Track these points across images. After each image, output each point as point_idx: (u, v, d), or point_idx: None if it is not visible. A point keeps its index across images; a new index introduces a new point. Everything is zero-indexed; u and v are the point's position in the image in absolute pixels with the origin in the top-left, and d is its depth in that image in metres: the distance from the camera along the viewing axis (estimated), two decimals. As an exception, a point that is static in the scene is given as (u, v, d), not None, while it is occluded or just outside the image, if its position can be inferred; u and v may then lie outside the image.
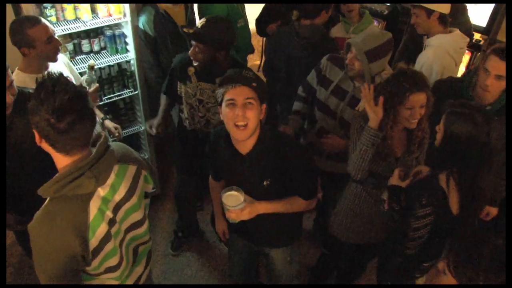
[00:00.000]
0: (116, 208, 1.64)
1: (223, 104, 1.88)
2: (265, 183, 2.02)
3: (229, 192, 1.95)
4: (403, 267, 2.30)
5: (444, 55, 2.84)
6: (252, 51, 3.97)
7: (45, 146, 1.47)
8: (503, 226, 2.53)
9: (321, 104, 2.72)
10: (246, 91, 1.83)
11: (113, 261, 1.67)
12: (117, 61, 3.28)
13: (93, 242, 1.54)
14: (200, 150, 2.56)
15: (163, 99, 2.97)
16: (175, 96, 2.81)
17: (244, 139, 1.90)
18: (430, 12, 2.86)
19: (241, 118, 1.82)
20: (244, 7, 3.57)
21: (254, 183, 2.03)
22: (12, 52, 2.42)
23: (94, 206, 1.53)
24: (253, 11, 3.76)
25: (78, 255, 1.51)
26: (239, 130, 1.85)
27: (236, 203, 1.93)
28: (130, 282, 1.87)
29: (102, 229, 1.57)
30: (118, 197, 1.65)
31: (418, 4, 2.91)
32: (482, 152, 1.93)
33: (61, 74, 1.46)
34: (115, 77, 3.38)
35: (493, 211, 2.58)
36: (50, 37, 2.34)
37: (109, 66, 3.35)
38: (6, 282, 2.89)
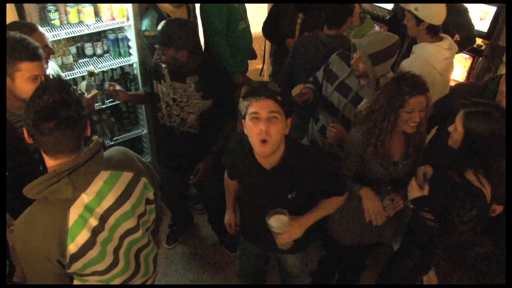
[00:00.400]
0: (104, 216, 1.61)
1: (247, 118, 1.80)
2: (289, 196, 1.97)
3: (276, 216, 1.90)
4: (416, 271, 2.33)
5: (424, 65, 2.81)
6: (254, 56, 3.97)
7: (35, 145, 1.47)
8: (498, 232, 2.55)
9: (325, 101, 2.73)
10: (271, 104, 1.75)
11: (100, 267, 1.66)
12: (120, 65, 3.30)
13: (72, 248, 1.53)
14: (178, 147, 2.61)
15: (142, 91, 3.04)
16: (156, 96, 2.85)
17: (268, 155, 1.84)
18: (419, 20, 2.86)
19: (264, 133, 1.75)
20: (246, 8, 3.58)
21: (278, 197, 1.99)
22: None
23: (74, 213, 1.52)
24: (253, 14, 3.75)
25: (53, 259, 1.51)
26: (262, 145, 1.78)
27: (282, 224, 1.89)
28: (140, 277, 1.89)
29: (83, 236, 1.55)
30: (106, 204, 1.61)
31: (409, 10, 2.91)
32: (501, 145, 2.00)
33: (59, 78, 1.47)
34: (118, 80, 3.39)
35: (498, 208, 2.58)
36: (46, 46, 2.32)
37: (112, 69, 3.36)
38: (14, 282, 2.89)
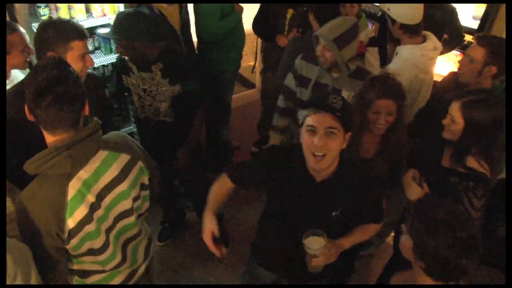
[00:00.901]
0: (101, 194, 1.66)
1: (303, 129, 1.74)
2: (334, 213, 1.86)
3: (313, 237, 1.79)
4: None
5: (412, 69, 2.80)
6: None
7: (36, 124, 1.52)
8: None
9: (305, 104, 2.71)
10: (329, 119, 1.69)
11: (96, 244, 1.69)
12: (111, 61, 3.28)
13: (70, 223, 1.57)
14: (156, 138, 2.58)
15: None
16: (124, 90, 2.86)
17: (321, 170, 1.76)
18: (393, 20, 2.85)
19: (319, 148, 1.68)
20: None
21: (322, 214, 1.87)
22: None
23: (73, 188, 1.56)
24: (246, 11, 3.75)
25: (53, 232, 1.56)
26: (316, 159, 1.70)
27: (320, 246, 1.78)
28: (121, 277, 1.90)
29: (81, 211, 1.60)
30: (103, 182, 1.66)
31: (384, 10, 2.89)
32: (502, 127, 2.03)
33: (57, 57, 1.54)
34: (109, 76, 3.38)
35: None
36: (26, 46, 2.31)
37: (103, 66, 3.35)
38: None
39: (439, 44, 2.89)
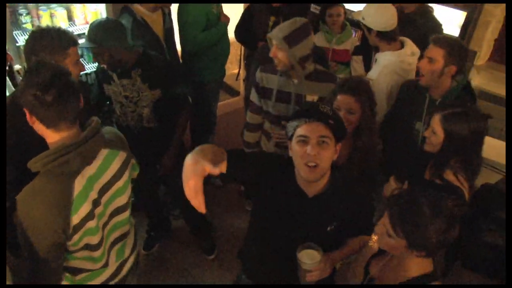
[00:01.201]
0: (102, 191, 1.72)
1: (294, 140, 1.68)
2: (329, 228, 1.80)
3: (307, 250, 1.73)
4: None
5: (392, 75, 2.83)
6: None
7: (36, 126, 1.57)
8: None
9: (272, 116, 2.68)
10: (321, 128, 1.63)
11: (94, 239, 1.73)
12: (94, 69, 3.25)
13: (75, 219, 1.61)
14: (139, 146, 2.54)
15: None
16: (105, 99, 2.87)
17: (314, 180, 1.70)
18: (368, 28, 2.87)
19: (312, 157, 1.62)
20: (222, 9, 3.60)
21: (316, 228, 1.80)
22: None
23: (79, 184, 1.60)
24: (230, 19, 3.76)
25: (59, 229, 1.58)
26: (310, 170, 1.64)
27: (313, 261, 1.72)
28: (110, 270, 1.92)
29: (85, 208, 1.63)
30: (104, 179, 1.72)
31: (359, 20, 2.92)
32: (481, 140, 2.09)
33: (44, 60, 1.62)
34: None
35: None
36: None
37: (86, 74, 3.32)
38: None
39: (416, 50, 2.92)
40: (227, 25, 3.60)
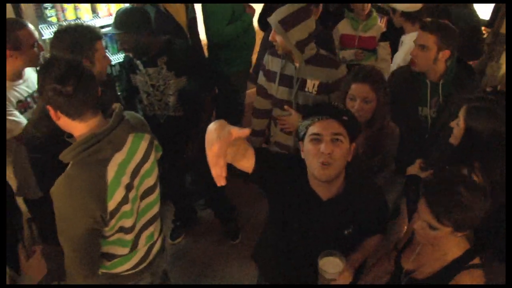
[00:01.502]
0: (133, 174, 1.74)
1: (306, 139, 1.60)
2: (346, 232, 1.73)
3: (329, 258, 1.64)
4: None
5: None
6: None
7: (62, 122, 1.59)
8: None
9: (276, 100, 2.64)
10: (335, 125, 1.56)
11: (128, 222, 1.76)
12: (118, 61, 3.27)
13: (111, 205, 1.64)
14: (166, 135, 2.54)
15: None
16: (134, 90, 2.87)
17: (328, 180, 1.60)
18: (393, 10, 2.85)
19: (326, 156, 1.54)
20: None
21: (332, 233, 1.73)
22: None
23: (112, 171, 1.62)
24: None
25: (97, 216, 1.61)
26: (323, 168, 1.56)
27: (336, 269, 1.63)
28: (141, 253, 1.94)
29: (120, 193, 1.66)
30: (134, 163, 1.74)
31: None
32: (502, 146, 1.90)
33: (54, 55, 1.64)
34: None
35: None
36: (35, 42, 2.32)
37: (111, 65, 3.34)
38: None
39: None
40: (252, 16, 3.55)
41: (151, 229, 1.96)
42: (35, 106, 2.37)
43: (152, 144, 1.88)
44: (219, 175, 1.28)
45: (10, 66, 2.27)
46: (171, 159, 3.01)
